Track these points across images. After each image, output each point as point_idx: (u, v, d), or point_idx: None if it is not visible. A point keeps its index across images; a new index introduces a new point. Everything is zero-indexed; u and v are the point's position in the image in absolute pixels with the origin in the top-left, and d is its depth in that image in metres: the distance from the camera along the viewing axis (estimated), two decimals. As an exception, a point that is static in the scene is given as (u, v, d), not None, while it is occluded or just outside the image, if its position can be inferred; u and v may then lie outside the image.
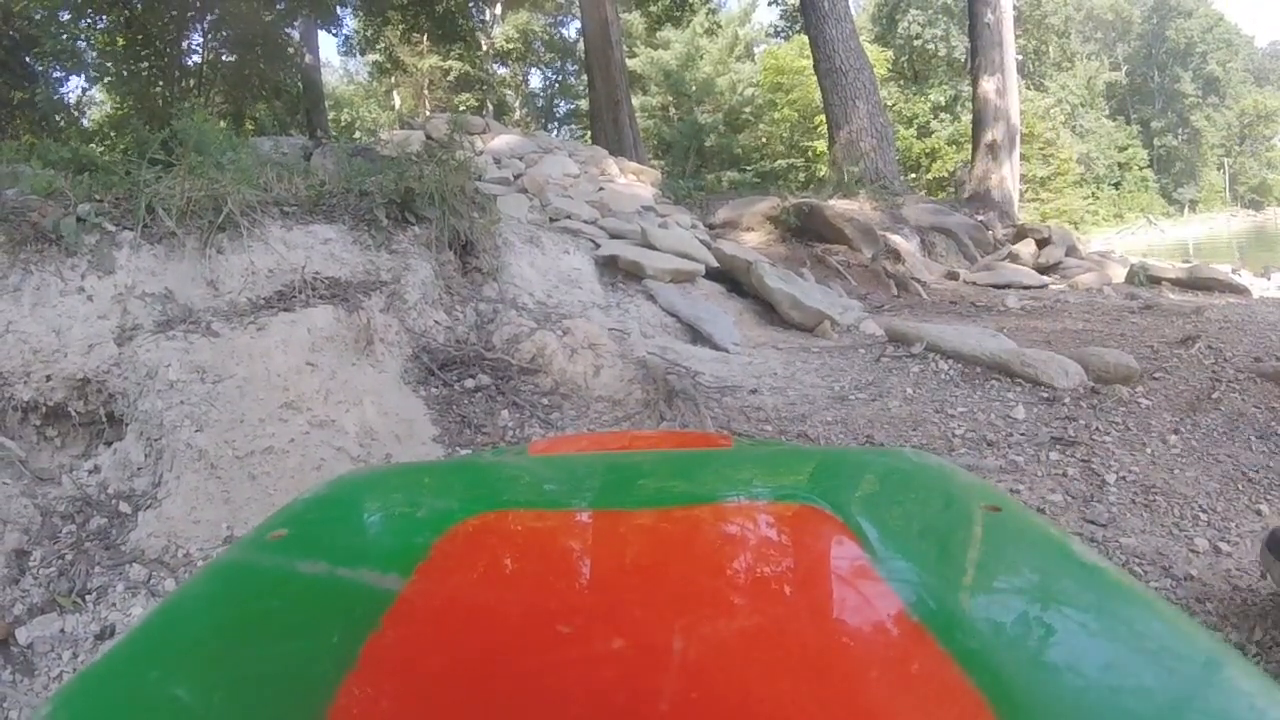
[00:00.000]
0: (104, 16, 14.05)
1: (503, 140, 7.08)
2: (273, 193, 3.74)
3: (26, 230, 3.21)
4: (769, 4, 24.16)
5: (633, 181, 7.43)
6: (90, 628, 2.13)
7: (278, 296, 3.05)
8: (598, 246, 5.02)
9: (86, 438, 2.97)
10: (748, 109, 26.93)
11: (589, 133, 14.46)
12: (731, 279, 5.37)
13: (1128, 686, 0.43)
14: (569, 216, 5.60)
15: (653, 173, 8.14)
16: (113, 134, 14.40)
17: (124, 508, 2.61)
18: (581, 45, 14.45)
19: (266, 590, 0.59)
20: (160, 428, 2.65)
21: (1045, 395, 3.33)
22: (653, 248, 5.12)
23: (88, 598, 2.23)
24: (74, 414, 2.92)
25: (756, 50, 30.32)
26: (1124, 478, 2.62)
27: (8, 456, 2.79)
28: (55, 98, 16.79)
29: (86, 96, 16.16)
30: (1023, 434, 2.98)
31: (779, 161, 24.35)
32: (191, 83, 14.87)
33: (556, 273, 4.19)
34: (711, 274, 5.36)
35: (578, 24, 18.97)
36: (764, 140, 26.46)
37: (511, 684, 0.44)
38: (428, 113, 25.83)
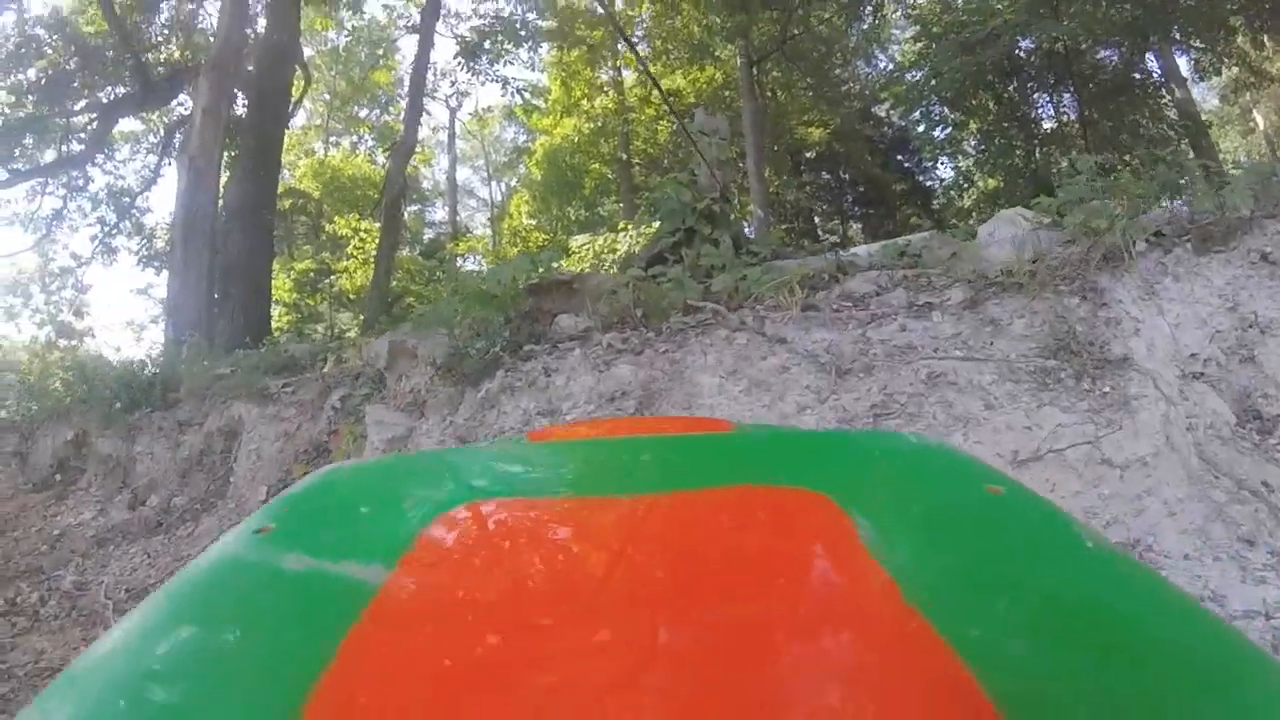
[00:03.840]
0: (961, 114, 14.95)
1: None
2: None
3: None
4: None
5: None
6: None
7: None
8: None
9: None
10: None
11: None
12: None
13: (1131, 673, 0.41)
14: None
15: None
16: (984, 208, 14.91)
17: None
18: None
19: (250, 585, 0.58)
20: None
21: None
22: None
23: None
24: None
25: None
26: None
27: None
28: (929, 184, 19.86)
29: (963, 176, 17.62)
30: None
31: None
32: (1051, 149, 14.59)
33: None
34: None
35: None
36: None
37: (494, 677, 0.43)
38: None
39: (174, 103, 13.50)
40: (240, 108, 11.53)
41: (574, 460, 0.91)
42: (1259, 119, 22.42)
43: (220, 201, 9.82)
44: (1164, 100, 14.21)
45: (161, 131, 14.08)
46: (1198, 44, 13.50)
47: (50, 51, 12.09)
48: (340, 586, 0.54)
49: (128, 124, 14.32)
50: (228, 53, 9.58)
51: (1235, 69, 15.10)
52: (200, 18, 13.81)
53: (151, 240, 14.12)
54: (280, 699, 0.41)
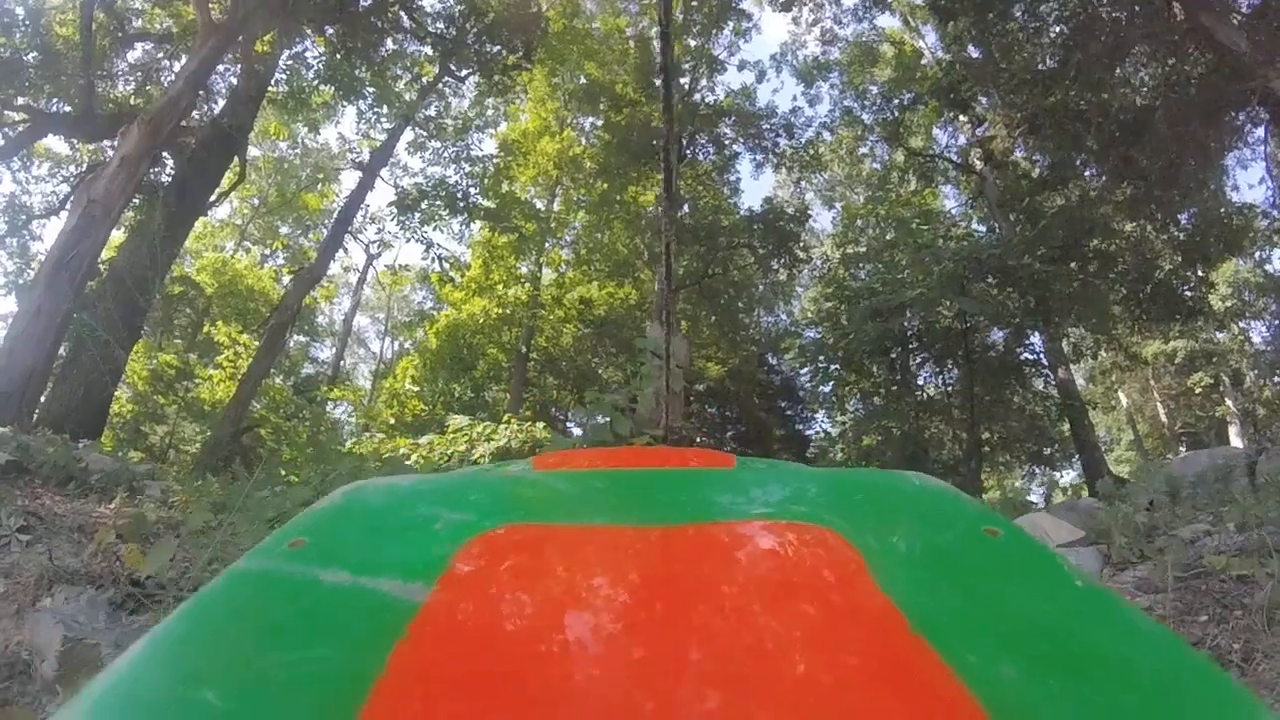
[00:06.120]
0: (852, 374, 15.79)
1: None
2: None
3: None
4: None
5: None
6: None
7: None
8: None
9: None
10: None
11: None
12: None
13: (1106, 694, 0.45)
14: None
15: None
16: (856, 462, 15.26)
17: None
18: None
19: (289, 596, 0.60)
20: None
21: None
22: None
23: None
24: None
25: None
26: None
27: None
28: (808, 433, 20.62)
29: (849, 431, 17.74)
30: None
31: None
32: (928, 416, 15.53)
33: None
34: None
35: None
36: None
37: (536, 694, 0.45)
38: (1158, 402, 22.74)
39: (106, 142, 12.83)
40: (166, 175, 10.91)
41: (591, 490, 0.94)
42: (1123, 398, 24.63)
43: (104, 258, 8.95)
44: (1047, 379, 15.09)
45: (85, 165, 13.12)
46: (1081, 329, 14.71)
47: (18, 34, 11.30)
48: (383, 602, 0.56)
49: (57, 144, 13.42)
50: (170, 111, 9.18)
51: (1108, 352, 16.44)
52: (167, 74, 13.51)
53: (26, 269, 12.61)
54: (336, 705, 0.43)
